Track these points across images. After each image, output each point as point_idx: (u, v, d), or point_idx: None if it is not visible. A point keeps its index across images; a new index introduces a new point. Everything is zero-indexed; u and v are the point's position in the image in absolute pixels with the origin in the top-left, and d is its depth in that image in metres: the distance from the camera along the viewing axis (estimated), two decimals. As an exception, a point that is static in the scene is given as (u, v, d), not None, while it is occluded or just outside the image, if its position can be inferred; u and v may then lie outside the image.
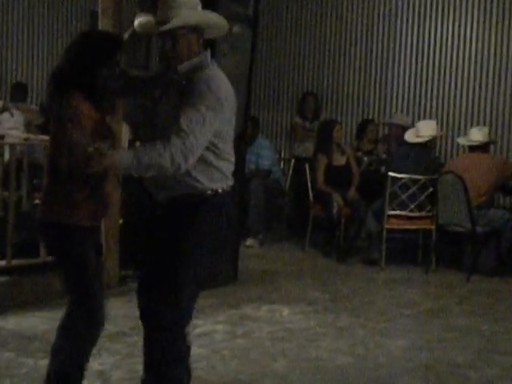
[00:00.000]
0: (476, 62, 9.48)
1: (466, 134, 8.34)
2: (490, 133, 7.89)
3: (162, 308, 3.29)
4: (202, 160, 3.27)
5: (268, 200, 8.82)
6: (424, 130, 7.70)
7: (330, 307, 6.00)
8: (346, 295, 6.46)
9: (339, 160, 8.25)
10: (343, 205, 7.88)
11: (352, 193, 8.07)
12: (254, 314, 5.66)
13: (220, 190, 3.36)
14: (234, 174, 3.46)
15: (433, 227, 7.46)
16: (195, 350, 4.72)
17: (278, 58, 10.49)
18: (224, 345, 4.89)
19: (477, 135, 7.55)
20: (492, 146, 8.12)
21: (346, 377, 4.44)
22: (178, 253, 3.29)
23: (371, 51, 10.06)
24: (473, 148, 7.61)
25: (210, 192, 3.33)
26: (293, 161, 9.43)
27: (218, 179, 3.36)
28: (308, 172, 8.34)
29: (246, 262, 7.10)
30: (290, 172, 9.41)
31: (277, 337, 5.13)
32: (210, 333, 5.12)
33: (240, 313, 5.67)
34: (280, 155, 9.87)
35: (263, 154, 8.96)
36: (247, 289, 6.43)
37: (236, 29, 6.60)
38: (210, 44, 6.53)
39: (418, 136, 7.66)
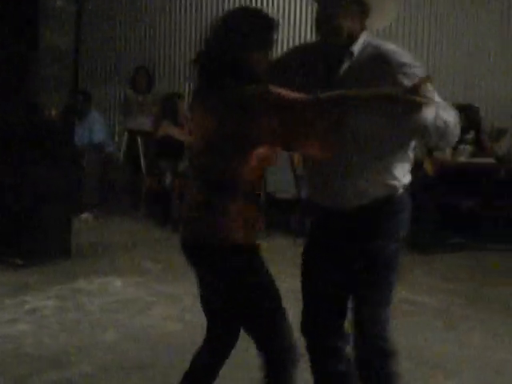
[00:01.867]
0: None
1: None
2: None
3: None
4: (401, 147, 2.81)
5: (102, 174, 8.76)
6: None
7: (162, 277, 6.05)
8: (178, 265, 6.40)
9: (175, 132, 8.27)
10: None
11: (184, 164, 8.12)
12: (86, 288, 5.62)
13: (407, 185, 2.89)
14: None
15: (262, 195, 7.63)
16: (22, 327, 4.69)
17: (109, 32, 10.33)
18: (53, 319, 4.84)
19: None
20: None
21: (174, 342, 4.51)
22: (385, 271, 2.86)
23: (205, 22, 10.08)
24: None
25: (402, 190, 2.85)
26: (126, 134, 9.35)
27: (407, 172, 2.88)
28: (140, 145, 8.33)
29: (80, 236, 7.00)
30: (124, 145, 9.33)
31: (108, 308, 5.14)
32: (40, 309, 5.05)
33: (72, 287, 5.61)
34: (113, 129, 9.77)
35: (96, 128, 8.87)
36: (80, 263, 6.35)
37: (60, 3, 6.47)
38: (35, 19, 6.49)
39: None
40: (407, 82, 2.61)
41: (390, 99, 2.52)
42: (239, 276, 2.70)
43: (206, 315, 3.00)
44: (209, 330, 3.01)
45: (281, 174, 7.44)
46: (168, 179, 7.92)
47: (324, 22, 2.74)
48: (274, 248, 7.23)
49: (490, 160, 7.86)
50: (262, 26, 2.63)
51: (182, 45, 10.19)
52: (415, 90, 2.45)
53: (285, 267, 6.50)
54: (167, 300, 5.40)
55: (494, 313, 5.33)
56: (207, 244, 2.69)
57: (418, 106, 2.45)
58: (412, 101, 2.45)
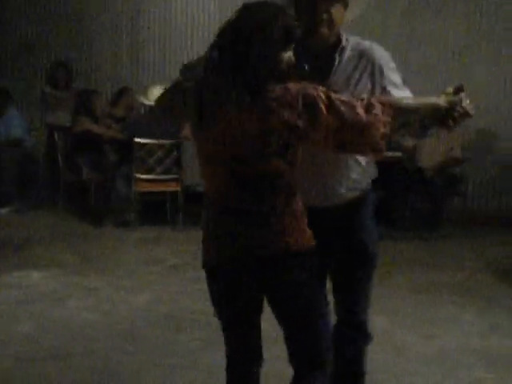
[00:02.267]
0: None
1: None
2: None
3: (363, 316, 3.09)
4: None
5: (22, 168, 8.69)
6: (155, 95, 7.91)
7: (81, 269, 6.07)
8: (97, 257, 6.55)
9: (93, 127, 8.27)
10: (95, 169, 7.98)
11: (106, 158, 8.15)
12: (3, 280, 5.61)
13: None
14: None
15: (179, 188, 7.74)
16: None
17: (28, 27, 10.19)
18: (-31, 313, 4.84)
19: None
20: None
21: (90, 332, 4.57)
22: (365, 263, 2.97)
23: (122, 20, 10.04)
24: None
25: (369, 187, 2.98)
26: (45, 129, 9.28)
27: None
28: (59, 140, 8.31)
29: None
30: (43, 140, 9.26)
31: (24, 300, 5.14)
32: (-44, 302, 5.04)
33: (-12, 280, 5.61)
34: (32, 124, 9.67)
35: (14, 124, 8.80)
36: (-2, 256, 6.34)
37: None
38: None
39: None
40: (394, 78, 2.74)
41: (439, 110, 2.52)
42: (307, 278, 2.55)
43: (238, 335, 2.72)
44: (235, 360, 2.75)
45: (197, 168, 7.53)
46: (86, 173, 7.93)
47: (313, 15, 2.66)
48: (189, 240, 7.32)
49: (398, 154, 8.11)
50: (290, 22, 2.43)
51: (100, 41, 10.13)
52: (460, 100, 2.48)
53: (193, 259, 6.62)
54: (84, 292, 5.43)
55: (395, 297, 5.54)
56: (281, 252, 2.48)
57: (468, 117, 2.51)
58: (465, 113, 2.50)
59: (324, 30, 2.68)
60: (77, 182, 8.13)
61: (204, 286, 5.56)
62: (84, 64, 10.06)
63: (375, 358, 4.27)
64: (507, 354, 4.42)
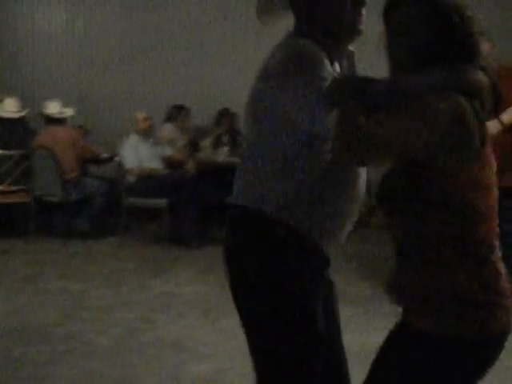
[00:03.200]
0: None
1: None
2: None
3: None
4: None
5: None
6: (11, 106, 7.71)
7: None
8: None
9: None
10: None
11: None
12: None
13: None
14: None
15: (29, 199, 7.51)
16: None
17: None
18: None
19: (52, 108, 7.75)
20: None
21: None
22: None
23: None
24: (50, 121, 7.71)
25: None
26: None
27: None
28: None
29: None
30: None
31: None
32: None
33: None
34: None
35: None
36: None
37: None
38: None
39: (6, 111, 7.65)
40: None
41: None
42: None
43: None
44: None
45: (48, 178, 7.38)
46: None
47: (360, 10, 2.16)
48: (42, 251, 7.15)
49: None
50: None
51: None
52: None
53: (54, 268, 6.49)
54: None
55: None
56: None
57: None
58: None
59: (362, 28, 2.20)
60: None
61: (54, 297, 5.45)
62: None
63: (225, 360, 4.34)
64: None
